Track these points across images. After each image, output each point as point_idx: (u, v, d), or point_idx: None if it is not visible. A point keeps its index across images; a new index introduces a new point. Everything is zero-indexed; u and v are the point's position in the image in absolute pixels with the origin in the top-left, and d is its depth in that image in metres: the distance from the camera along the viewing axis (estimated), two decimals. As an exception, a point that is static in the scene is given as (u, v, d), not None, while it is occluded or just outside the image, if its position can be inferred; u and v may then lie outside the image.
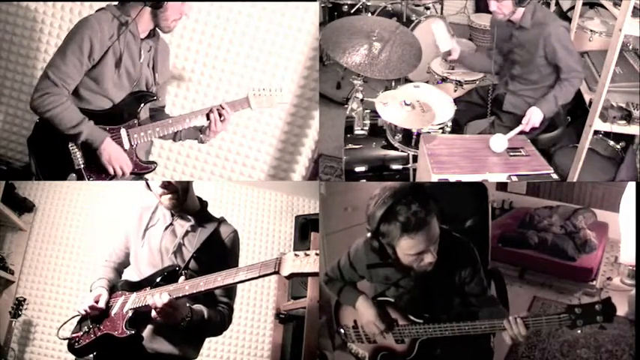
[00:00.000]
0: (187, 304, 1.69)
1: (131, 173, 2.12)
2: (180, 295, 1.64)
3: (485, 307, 1.68)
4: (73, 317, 1.88)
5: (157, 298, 1.62)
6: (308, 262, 1.42)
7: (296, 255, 1.44)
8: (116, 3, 2.03)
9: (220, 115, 2.14)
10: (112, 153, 2.00)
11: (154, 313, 1.63)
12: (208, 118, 2.15)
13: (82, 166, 2.03)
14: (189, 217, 1.90)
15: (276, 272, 1.46)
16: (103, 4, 2.03)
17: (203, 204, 1.99)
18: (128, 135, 2.07)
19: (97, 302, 1.79)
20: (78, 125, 1.92)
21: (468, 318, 1.62)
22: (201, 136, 2.24)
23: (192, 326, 1.70)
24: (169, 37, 2.61)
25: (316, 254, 1.42)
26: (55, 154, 2.01)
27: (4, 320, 2.73)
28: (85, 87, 1.99)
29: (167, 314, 1.63)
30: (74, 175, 2.03)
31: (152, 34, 2.12)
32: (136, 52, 2.05)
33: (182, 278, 1.76)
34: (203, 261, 1.82)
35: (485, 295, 1.73)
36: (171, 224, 1.90)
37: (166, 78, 2.36)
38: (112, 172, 2.03)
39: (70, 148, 2.01)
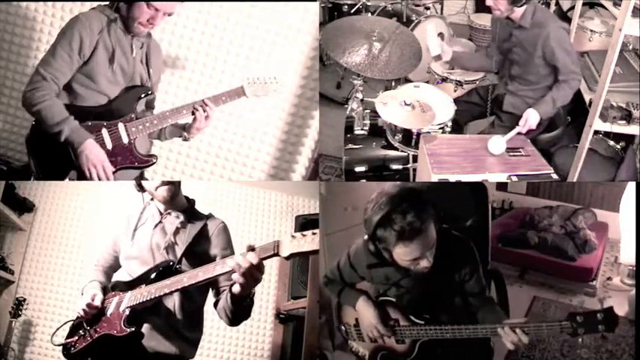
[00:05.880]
0: None
1: (132, 168, 2.11)
2: (186, 284, 1.60)
3: (484, 307, 1.68)
4: (65, 323, 1.87)
5: (251, 256, 1.45)
6: (306, 242, 1.39)
7: (293, 236, 1.41)
8: (107, 2, 2.05)
9: (205, 111, 2.13)
10: (90, 154, 1.93)
11: (236, 276, 1.47)
12: (193, 114, 2.14)
13: None
14: (179, 213, 1.90)
15: (276, 254, 1.44)
16: (102, 4, 2.04)
17: (190, 202, 2.00)
18: (126, 129, 2.07)
19: (92, 301, 1.78)
20: (60, 123, 1.89)
21: (468, 319, 1.61)
22: (184, 133, 2.24)
23: (250, 304, 1.66)
24: (170, 37, 2.64)
25: (313, 234, 1.39)
26: (55, 152, 1.99)
27: (4, 320, 2.73)
28: (79, 83, 2.00)
29: (254, 278, 1.48)
30: (75, 172, 2.00)
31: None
32: (128, 47, 2.06)
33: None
34: (195, 255, 1.82)
35: (484, 294, 1.72)
36: (160, 222, 1.90)
37: (160, 75, 2.36)
38: (88, 174, 1.94)
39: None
